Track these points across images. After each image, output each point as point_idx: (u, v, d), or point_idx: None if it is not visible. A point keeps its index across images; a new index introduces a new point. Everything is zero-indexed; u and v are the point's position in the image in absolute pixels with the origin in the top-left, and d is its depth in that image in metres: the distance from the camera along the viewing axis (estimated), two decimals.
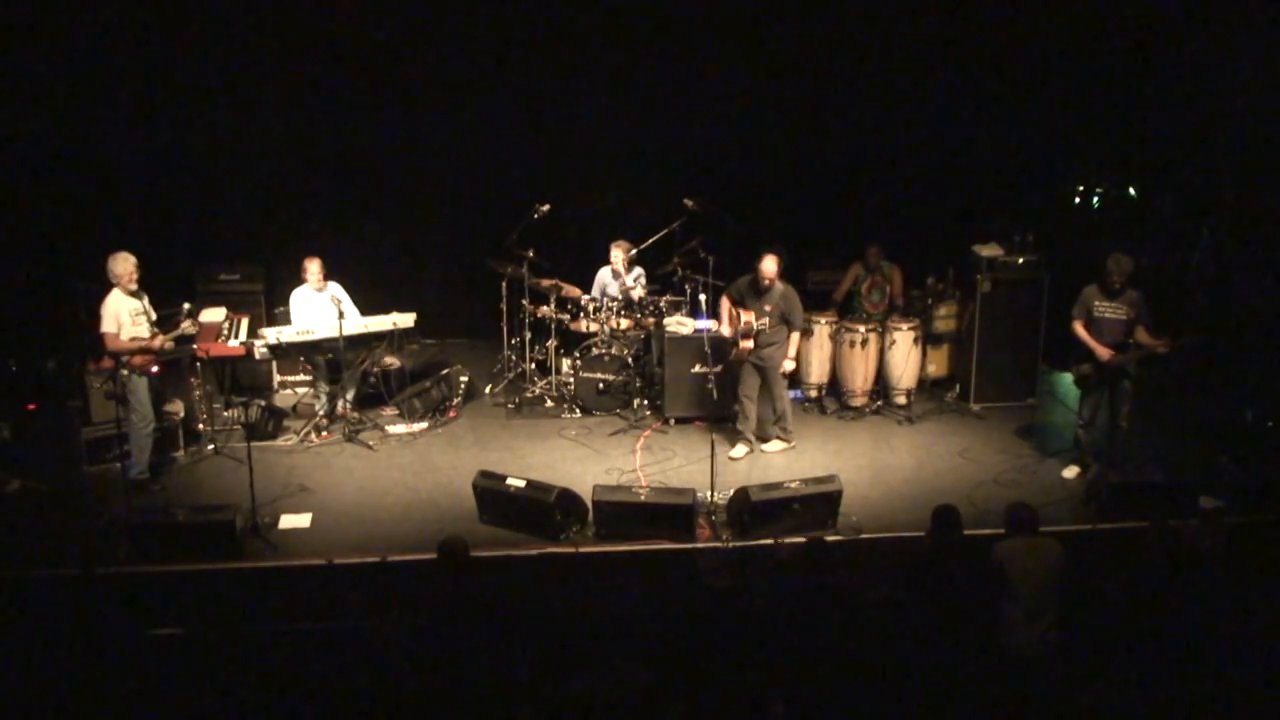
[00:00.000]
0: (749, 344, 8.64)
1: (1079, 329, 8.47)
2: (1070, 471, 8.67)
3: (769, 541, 7.52)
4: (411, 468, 8.84)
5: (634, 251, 10.07)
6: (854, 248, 10.41)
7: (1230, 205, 10.57)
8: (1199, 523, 7.63)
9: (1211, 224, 10.68)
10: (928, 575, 6.51)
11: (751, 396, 8.94)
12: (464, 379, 10.20)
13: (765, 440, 9.03)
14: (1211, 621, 6.72)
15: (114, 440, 8.24)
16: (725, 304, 8.91)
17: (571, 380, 9.91)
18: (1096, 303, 8.43)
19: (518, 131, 10.99)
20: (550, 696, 5.97)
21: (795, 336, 8.84)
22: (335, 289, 9.30)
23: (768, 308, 8.67)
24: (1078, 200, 11.62)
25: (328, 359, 9.32)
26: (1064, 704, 6.23)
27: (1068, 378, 10.53)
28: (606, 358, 9.70)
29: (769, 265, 8.65)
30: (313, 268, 9.21)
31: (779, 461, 8.90)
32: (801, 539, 7.26)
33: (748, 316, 8.64)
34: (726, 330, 8.88)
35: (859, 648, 6.34)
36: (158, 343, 8.18)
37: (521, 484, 7.74)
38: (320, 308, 9.17)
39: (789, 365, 8.80)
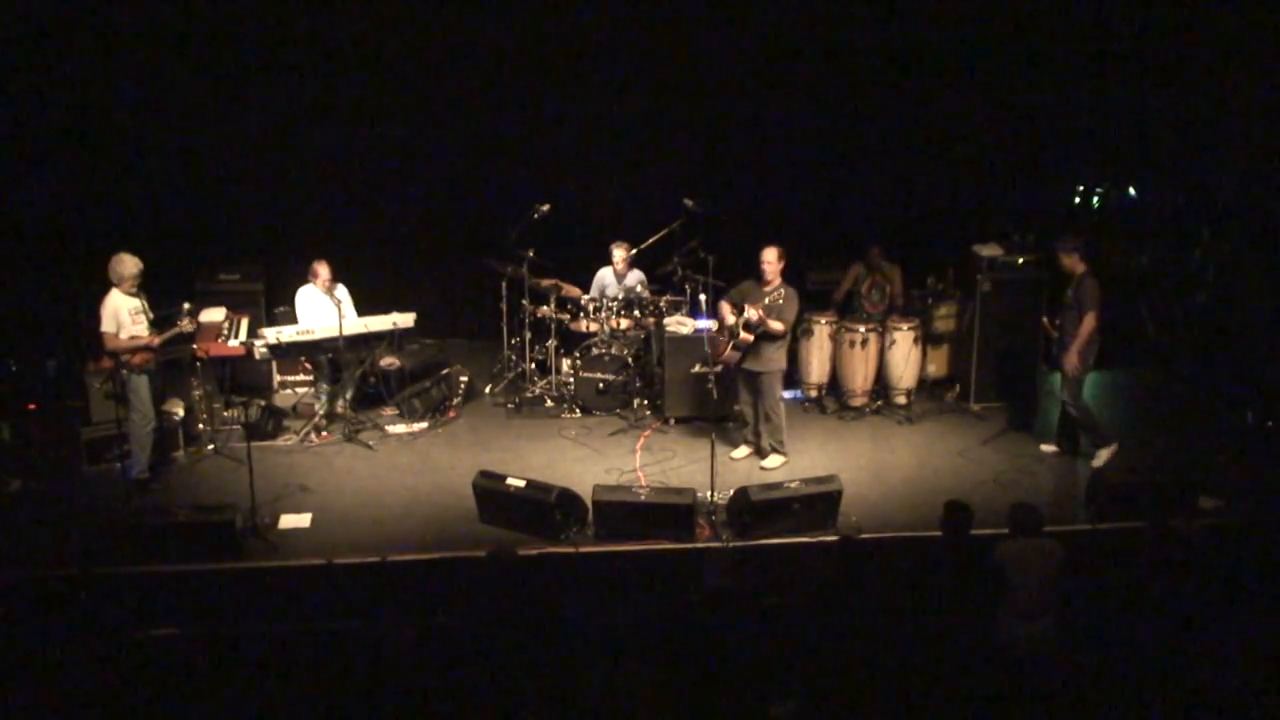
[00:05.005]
0: (750, 337, 8.39)
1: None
2: (1101, 458, 8.77)
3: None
4: (411, 468, 8.84)
5: (633, 251, 10.08)
6: (854, 248, 10.41)
7: (1230, 205, 10.58)
8: (1186, 520, 7.66)
9: (1211, 224, 10.69)
10: (941, 571, 6.50)
11: (750, 403, 8.89)
12: (464, 379, 10.20)
13: (763, 455, 8.92)
14: (1210, 621, 6.73)
15: (114, 440, 8.24)
16: (725, 308, 8.65)
17: (571, 380, 9.91)
18: None
19: (518, 131, 10.99)
20: (554, 697, 5.99)
21: (776, 324, 8.35)
22: (340, 292, 9.29)
23: (767, 300, 8.36)
24: (1078, 200, 11.63)
25: (328, 359, 9.32)
26: (1063, 704, 6.24)
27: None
28: (606, 358, 9.70)
29: (769, 253, 8.46)
30: (323, 271, 9.20)
31: (779, 462, 8.89)
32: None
33: (751, 309, 8.33)
34: (731, 319, 8.50)
35: (861, 647, 6.35)
36: (157, 341, 8.18)
37: (521, 484, 7.74)
38: (326, 308, 9.16)
39: (751, 313, 8.26)
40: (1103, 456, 8.75)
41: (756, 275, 8.57)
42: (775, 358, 8.58)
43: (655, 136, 11.09)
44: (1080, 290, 8.50)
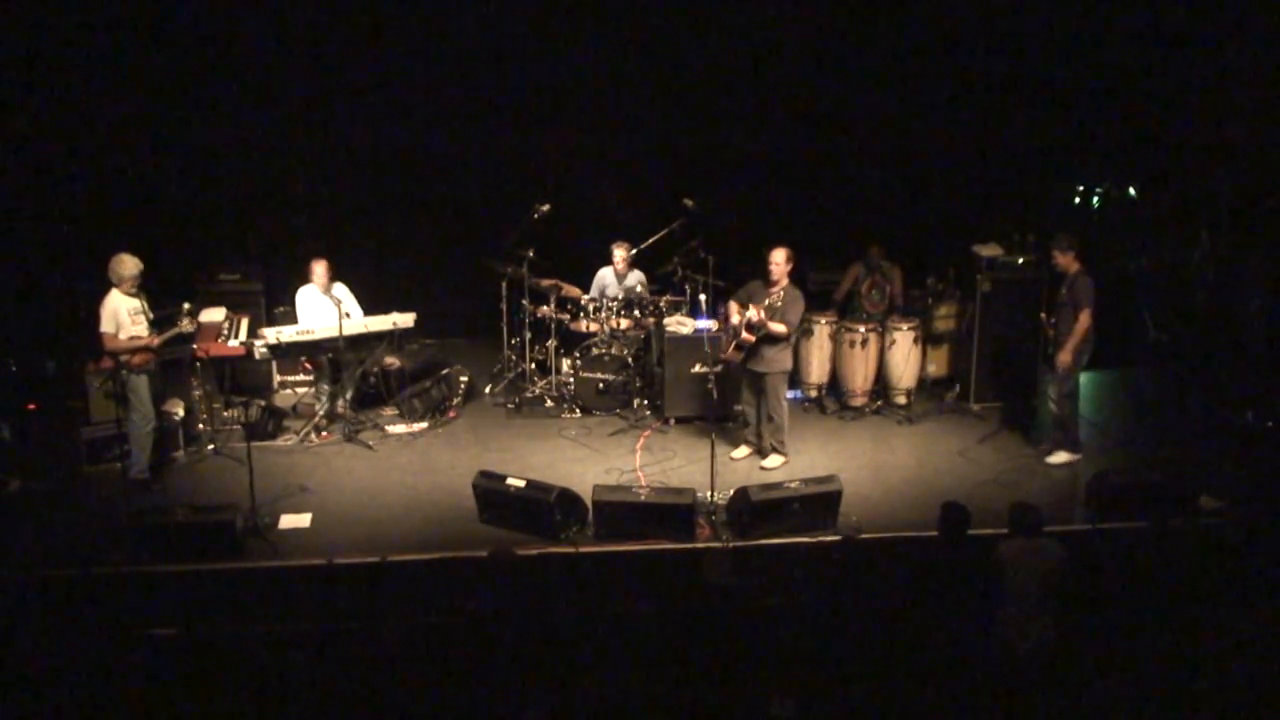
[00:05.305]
0: (751, 337, 8.41)
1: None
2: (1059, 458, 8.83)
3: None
4: (411, 468, 8.84)
5: (634, 251, 10.08)
6: (854, 248, 10.41)
7: (1230, 205, 10.58)
8: (1186, 520, 7.67)
9: (1211, 224, 10.69)
10: (940, 571, 6.50)
11: (753, 404, 8.88)
12: (464, 379, 10.20)
13: (764, 455, 8.91)
14: (1210, 621, 6.74)
15: (114, 440, 8.24)
16: (732, 307, 8.64)
17: (571, 380, 9.91)
18: None
19: (518, 131, 10.99)
20: (554, 698, 5.99)
21: (777, 325, 8.38)
22: (340, 290, 9.29)
23: (768, 301, 8.38)
24: (1078, 200, 11.62)
25: (329, 358, 9.32)
26: (1063, 704, 6.24)
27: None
28: (606, 358, 9.70)
29: (777, 255, 8.45)
30: (319, 270, 9.19)
31: (779, 462, 8.88)
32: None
33: (754, 309, 8.33)
34: (736, 318, 8.53)
35: (860, 646, 6.35)
36: (156, 341, 8.18)
37: (521, 484, 7.74)
38: (326, 307, 9.16)
39: (753, 313, 8.30)
40: (1060, 458, 8.80)
41: (763, 275, 8.56)
42: (780, 359, 8.57)
43: (655, 136, 11.08)
44: (1075, 288, 8.51)
